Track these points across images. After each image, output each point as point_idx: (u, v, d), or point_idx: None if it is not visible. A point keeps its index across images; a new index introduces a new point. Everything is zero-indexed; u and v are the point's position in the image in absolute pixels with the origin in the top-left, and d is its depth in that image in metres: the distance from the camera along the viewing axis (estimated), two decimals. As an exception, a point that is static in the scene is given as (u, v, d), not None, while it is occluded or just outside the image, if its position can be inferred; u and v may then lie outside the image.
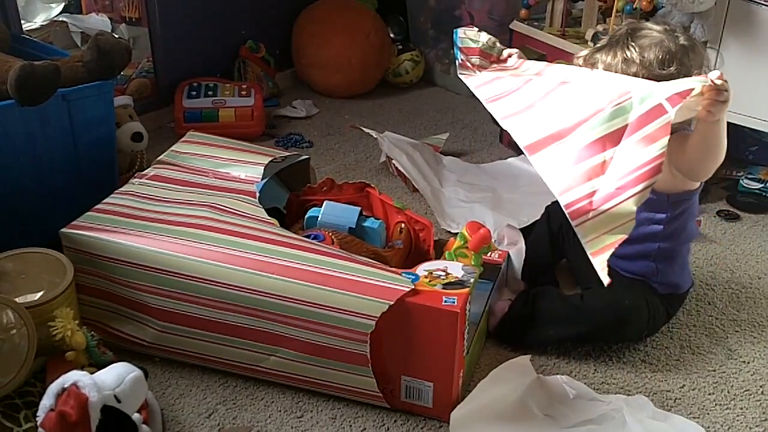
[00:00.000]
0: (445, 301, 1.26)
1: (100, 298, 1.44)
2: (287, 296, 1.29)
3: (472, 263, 1.38)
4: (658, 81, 1.30)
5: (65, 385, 1.12)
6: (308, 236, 1.48)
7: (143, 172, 1.62)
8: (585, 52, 1.49)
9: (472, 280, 1.31)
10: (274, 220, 1.46)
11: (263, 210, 1.48)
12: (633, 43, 1.40)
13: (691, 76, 1.35)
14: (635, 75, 1.37)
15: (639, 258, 1.50)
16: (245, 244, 1.36)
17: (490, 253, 1.52)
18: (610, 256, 1.43)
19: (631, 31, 1.43)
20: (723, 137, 1.30)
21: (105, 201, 1.50)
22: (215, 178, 1.61)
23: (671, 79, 1.31)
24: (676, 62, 1.37)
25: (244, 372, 1.41)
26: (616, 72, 1.39)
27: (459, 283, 1.30)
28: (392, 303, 1.25)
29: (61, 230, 1.41)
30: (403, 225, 1.65)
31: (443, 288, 1.29)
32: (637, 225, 1.24)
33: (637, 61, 1.38)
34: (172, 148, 1.71)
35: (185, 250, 1.35)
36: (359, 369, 1.31)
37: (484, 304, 1.48)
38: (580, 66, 1.46)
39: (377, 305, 1.25)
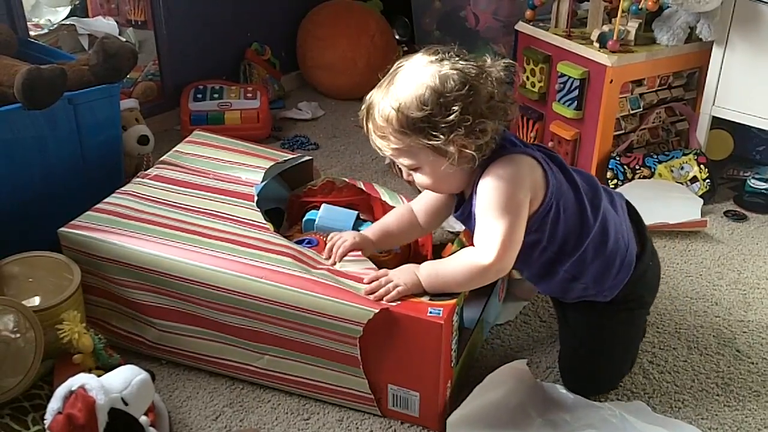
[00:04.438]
0: (430, 312, 1.24)
1: (99, 296, 1.45)
2: (276, 300, 1.30)
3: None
4: (412, 128, 1.16)
5: (73, 388, 1.12)
6: (302, 240, 1.48)
7: (146, 172, 1.63)
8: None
9: None
10: (269, 225, 1.45)
11: (260, 214, 1.48)
12: (394, 78, 1.20)
13: (468, 111, 1.15)
14: (390, 119, 1.18)
15: (565, 282, 1.34)
16: (236, 249, 1.36)
17: None
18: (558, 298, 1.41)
19: (398, 65, 1.23)
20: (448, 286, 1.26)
21: (105, 201, 1.50)
22: (216, 179, 1.61)
23: (426, 123, 1.16)
24: (435, 102, 1.15)
25: (239, 373, 1.41)
26: (375, 113, 1.20)
27: (448, 293, 1.28)
28: (377, 311, 1.24)
29: (59, 229, 1.42)
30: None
31: (430, 299, 1.27)
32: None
33: (395, 105, 1.17)
34: (175, 148, 1.71)
35: (177, 253, 1.36)
36: (351, 369, 1.31)
37: (480, 311, 1.46)
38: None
39: (363, 312, 1.25)
